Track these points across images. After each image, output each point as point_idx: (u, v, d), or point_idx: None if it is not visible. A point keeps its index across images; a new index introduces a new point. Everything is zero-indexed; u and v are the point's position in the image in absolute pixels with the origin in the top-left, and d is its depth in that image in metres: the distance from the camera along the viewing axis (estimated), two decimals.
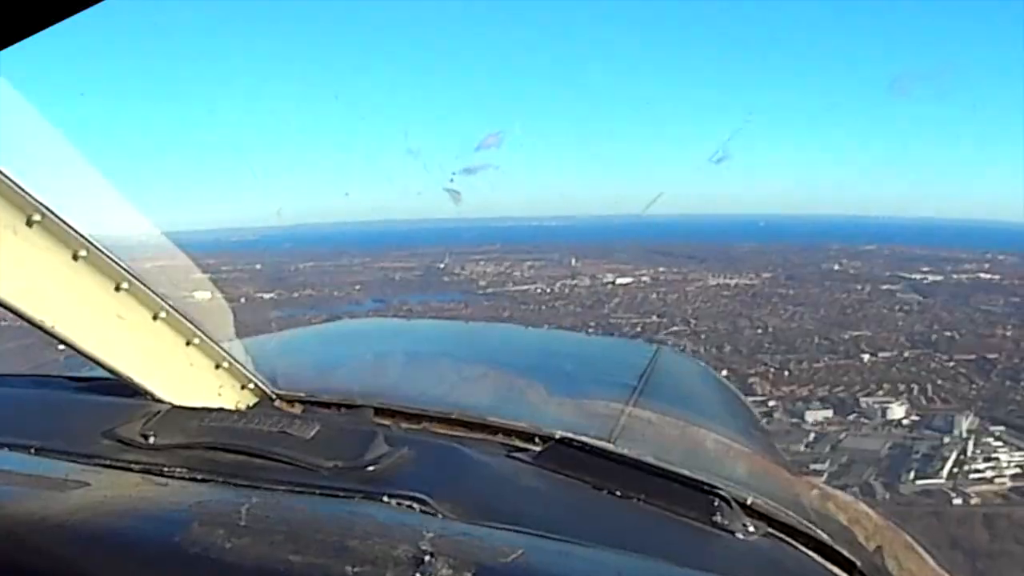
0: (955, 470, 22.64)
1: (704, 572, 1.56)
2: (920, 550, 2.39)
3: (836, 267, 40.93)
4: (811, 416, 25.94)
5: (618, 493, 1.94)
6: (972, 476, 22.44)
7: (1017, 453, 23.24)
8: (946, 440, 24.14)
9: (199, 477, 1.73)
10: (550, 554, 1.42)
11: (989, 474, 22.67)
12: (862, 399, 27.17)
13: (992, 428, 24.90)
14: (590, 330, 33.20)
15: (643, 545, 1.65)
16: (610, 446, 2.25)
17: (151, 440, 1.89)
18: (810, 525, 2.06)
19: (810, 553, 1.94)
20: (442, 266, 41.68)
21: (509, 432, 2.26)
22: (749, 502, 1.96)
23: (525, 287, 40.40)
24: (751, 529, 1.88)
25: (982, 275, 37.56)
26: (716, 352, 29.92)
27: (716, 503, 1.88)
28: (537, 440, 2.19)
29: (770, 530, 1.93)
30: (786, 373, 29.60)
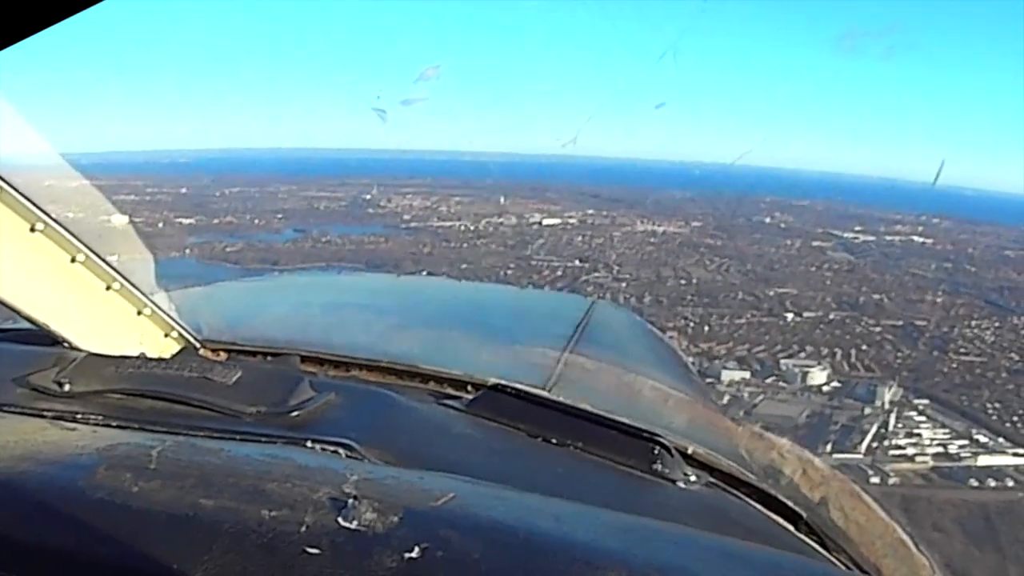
0: (874, 445, 21.54)
1: (645, 518, 1.46)
2: (868, 499, 2.37)
3: (768, 220, 40.45)
4: (727, 376, 24.74)
5: (554, 441, 1.90)
6: (892, 453, 21.35)
7: (941, 430, 22.29)
8: (867, 411, 23.06)
9: (113, 424, 1.64)
10: (484, 498, 1.36)
11: (910, 451, 21.56)
12: (782, 361, 26.12)
13: (916, 401, 23.92)
14: (510, 271, 33.56)
15: (580, 493, 1.56)
16: (546, 394, 2.21)
17: (66, 388, 1.80)
18: (753, 476, 2.06)
19: (754, 504, 1.92)
20: (368, 197, 42.02)
21: (441, 380, 2.24)
22: (690, 451, 1.95)
23: (450, 223, 40.34)
24: (692, 478, 1.84)
25: (915, 238, 37.07)
26: (636, 302, 28.99)
27: (656, 451, 1.85)
28: (470, 388, 2.16)
29: (712, 480, 1.92)
30: (706, 328, 28.80)
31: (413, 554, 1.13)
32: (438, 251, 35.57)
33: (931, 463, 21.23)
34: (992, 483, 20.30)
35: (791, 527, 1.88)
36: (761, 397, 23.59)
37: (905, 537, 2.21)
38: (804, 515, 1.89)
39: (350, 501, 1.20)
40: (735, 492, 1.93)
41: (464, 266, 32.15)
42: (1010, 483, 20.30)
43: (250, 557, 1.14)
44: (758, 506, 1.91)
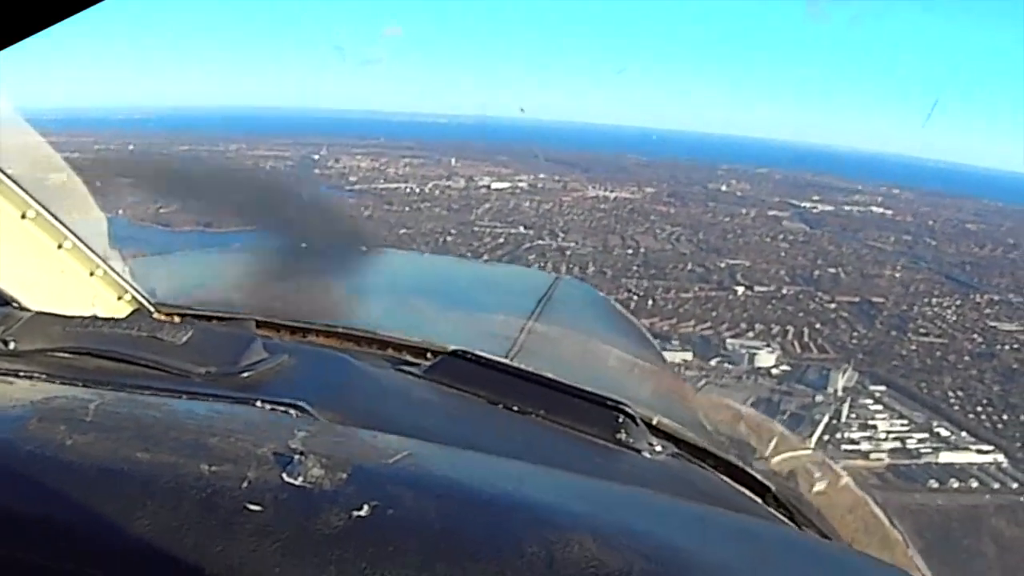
0: (825, 438, 19.72)
1: (610, 482, 1.46)
2: (838, 471, 2.43)
3: (723, 188, 39.28)
4: (668, 357, 22.21)
5: (516, 408, 1.87)
6: (845, 448, 19.62)
7: (898, 422, 20.75)
8: (819, 399, 21.48)
9: (57, 381, 1.61)
10: (441, 458, 1.32)
11: (865, 447, 19.91)
12: (729, 340, 24.57)
13: (872, 387, 22.40)
14: (450, 237, 32.55)
15: (543, 460, 1.51)
16: (508, 362, 2.18)
17: (11, 346, 1.78)
18: (720, 448, 2.06)
19: (721, 476, 1.91)
20: (317, 158, 40.87)
21: (400, 347, 2.23)
22: (655, 421, 1.95)
23: (395, 185, 39.23)
24: (658, 448, 1.83)
25: (874, 208, 36.07)
26: (579, 272, 27.68)
27: (621, 420, 1.83)
28: (429, 355, 2.14)
29: (678, 451, 1.91)
30: (650, 302, 27.24)
31: (362, 512, 1.09)
32: (379, 214, 33.71)
33: (887, 460, 19.65)
34: (955, 484, 18.75)
35: (759, 499, 1.86)
36: (704, 381, 21.64)
37: (878, 511, 2.29)
38: (772, 487, 1.88)
39: (296, 457, 1.15)
40: (701, 463, 1.92)
41: (403, 231, 30.90)
42: (974, 484, 18.77)
43: (188, 513, 1.09)
44: (725, 478, 1.89)
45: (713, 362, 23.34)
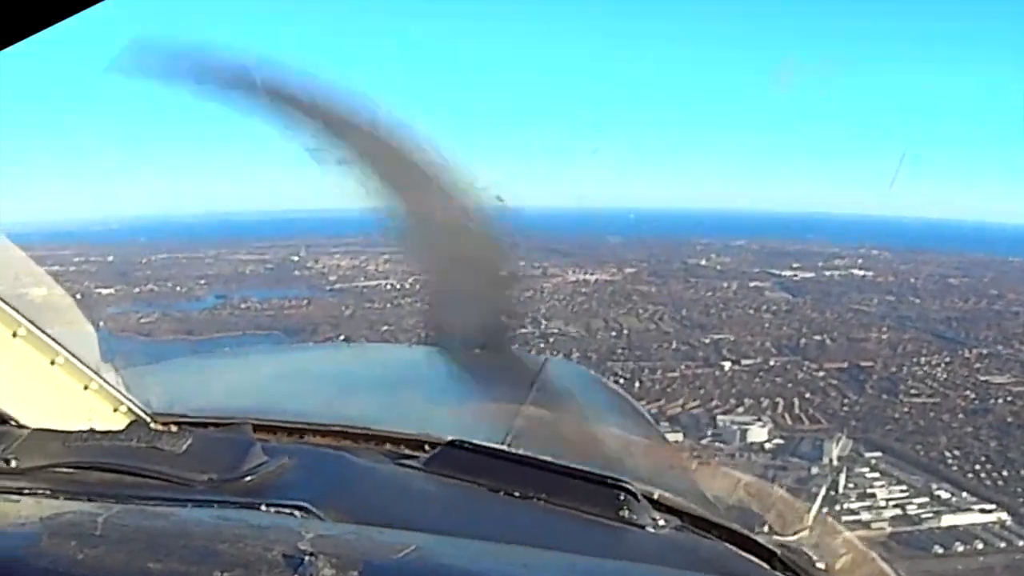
0: (824, 510, 18.63)
1: (617, 561, 1.49)
2: (846, 534, 2.40)
3: (703, 262, 39.07)
4: None
5: (517, 494, 1.88)
6: (845, 519, 18.81)
7: (897, 487, 20.40)
8: (814, 471, 21.01)
9: (60, 496, 1.65)
10: (447, 549, 1.35)
11: (865, 516, 19.51)
12: (719, 417, 24.35)
13: (868, 454, 22.02)
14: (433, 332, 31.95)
15: (547, 543, 1.58)
16: (505, 448, 2.21)
17: (12, 464, 1.80)
18: (723, 516, 2.09)
19: (726, 544, 1.92)
20: (296, 259, 40.71)
21: (397, 440, 2.24)
22: (656, 496, 1.94)
23: (376, 282, 38.60)
24: (661, 523, 1.85)
25: (855, 271, 35.86)
26: (563, 359, 27.18)
27: (622, 497, 1.83)
28: (427, 447, 2.16)
29: (682, 523, 1.92)
30: (637, 384, 26.85)
31: None
32: (360, 312, 34.49)
33: (889, 528, 19.17)
34: (960, 547, 18.30)
35: (766, 565, 1.87)
36: (695, 463, 21.24)
37: (886, 568, 2.28)
38: (778, 552, 1.89)
39: (307, 558, 1.16)
40: (706, 534, 1.92)
41: (384, 328, 30.79)
42: (980, 545, 18.33)
43: None
44: (730, 547, 1.90)
45: (704, 441, 22.98)
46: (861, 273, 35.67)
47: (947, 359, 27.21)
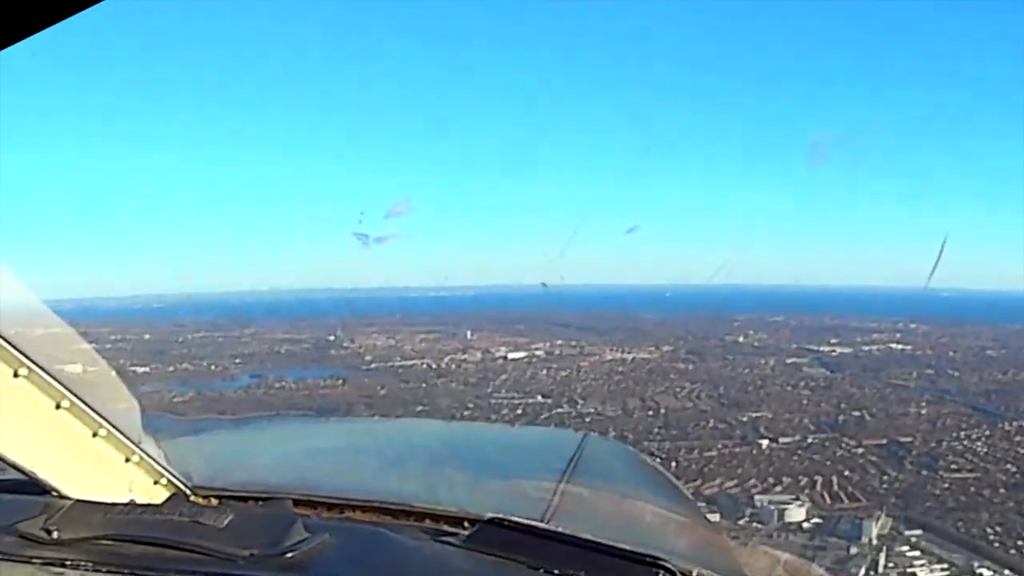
0: None
1: None
2: None
3: (740, 339, 39.22)
4: None
5: (556, 572, 1.88)
6: None
7: (938, 566, 20.05)
8: (853, 550, 20.82)
9: (102, 570, 1.68)
10: None
11: None
12: (757, 497, 24.08)
13: (908, 532, 21.75)
14: (467, 411, 32.05)
15: None
16: (545, 525, 2.21)
17: (54, 535, 1.82)
18: None
19: None
20: (332, 338, 40.79)
21: (436, 517, 2.24)
22: (695, 574, 1.94)
23: (411, 362, 39.01)
24: None
25: (894, 346, 35.71)
26: (602, 436, 27.10)
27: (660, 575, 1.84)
28: (466, 524, 2.16)
29: None
30: (673, 464, 26.55)
31: None
32: (395, 391, 34.51)
33: None
34: None
35: None
36: (734, 544, 21.18)
37: None
38: None
39: None
40: None
41: (419, 408, 31.26)
42: None
43: None
44: None
45: (742, 521, 22.69)
46: (899, 347, 35.47)
47: (987, 432, 26.85)
